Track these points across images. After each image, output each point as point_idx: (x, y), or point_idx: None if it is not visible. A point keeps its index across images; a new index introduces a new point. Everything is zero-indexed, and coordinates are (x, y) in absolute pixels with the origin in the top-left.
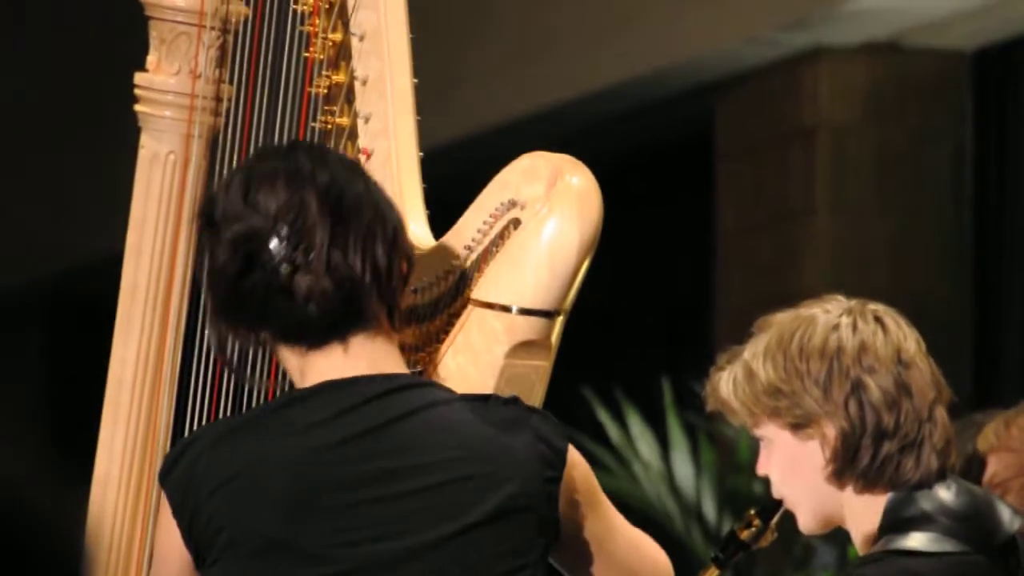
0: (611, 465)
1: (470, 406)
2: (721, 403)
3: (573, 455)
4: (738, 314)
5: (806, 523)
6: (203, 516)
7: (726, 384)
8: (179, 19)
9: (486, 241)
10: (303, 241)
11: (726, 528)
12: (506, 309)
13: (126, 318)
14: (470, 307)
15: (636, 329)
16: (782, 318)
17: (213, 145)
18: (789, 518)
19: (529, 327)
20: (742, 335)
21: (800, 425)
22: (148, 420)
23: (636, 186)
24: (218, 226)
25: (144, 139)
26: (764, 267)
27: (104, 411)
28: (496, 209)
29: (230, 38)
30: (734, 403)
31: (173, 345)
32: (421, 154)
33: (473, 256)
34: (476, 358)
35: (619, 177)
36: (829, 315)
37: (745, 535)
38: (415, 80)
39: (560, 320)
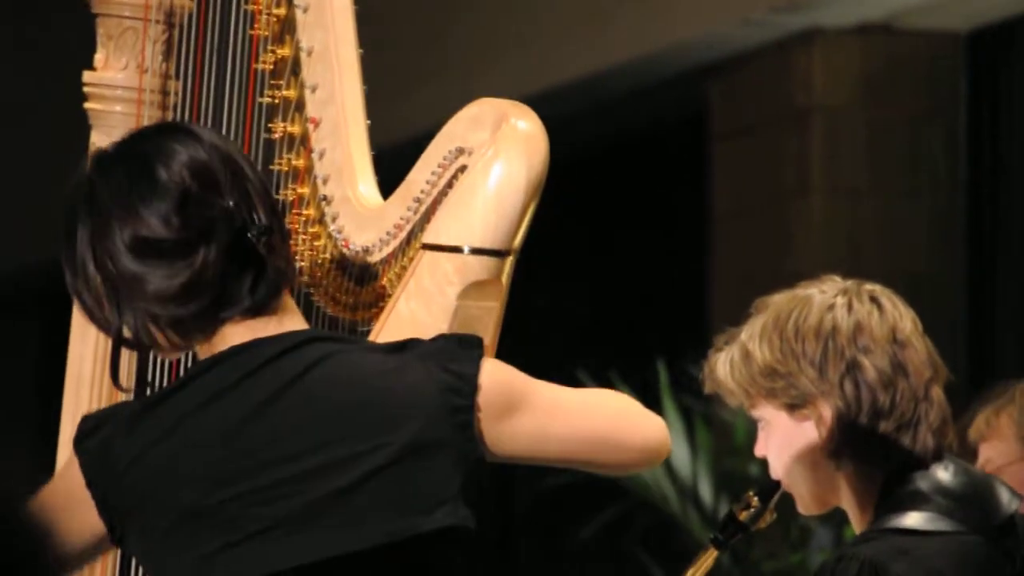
0: None
1: (370, 354)
2: (718, 385)
3: (488, 373)
4: (733, 296)
5: (804, 503)
6: (116, 493)
7: (723, 366)
8: (125, 14)
9: (435, 192)
10: (256, 204)
11: (722, 510)
12: (457, 250)
13: (82, 316)
14: (421, 252)
15: (630, 312)
16: (779, 299)
17: None
18: (788, 499)
19: (481, 267)
20: (737, 317)
21: (796, 405)
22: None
23: (630, 169)
24: (184, 206)
25: (94, 136)
26: (759, 249)
27: (64, 407)
28: (444, 159)
29: (176, 31)
30: (731, 384)
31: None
32: (369, 121)
33: (423, 208)
34: (429, 302)
35: (613, 160)
36: (825, 295)
37: (744, 516)
38: (361, 49)
39: (510, 260)
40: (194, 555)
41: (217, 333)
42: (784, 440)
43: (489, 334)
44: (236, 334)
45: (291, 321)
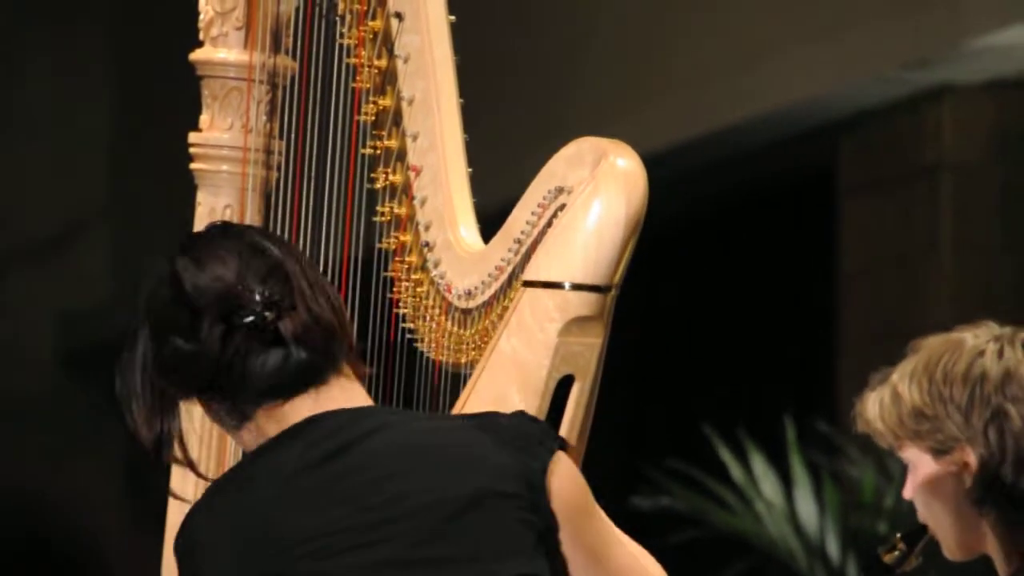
0: (734, 504)
1: (438, 421)
2: (868, 424)
3: (563, 460)
4: (862, 352)
5: (949, 549)
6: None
7: (873, 405)
8: (230, 75)
9: (535, 232)
10: (276, 289)
11: (851, 568)
12: (557, 286)
13: None
14: (522, 289)
15: (758, 367)
16: (932, 341)
17: (267, 196)
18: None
19: (582, 302)
20: (865, 374)
21: (942, 450)
22: (217, 468)
23: (759, 224)
24: (190, 302)
25: (200, 195)
26: (888, 305)
27: (171, 488)
28: (543, 199)
29: (279, 91)
30: (880, 425)
31: None
32: (470, 169)
33: (524, 248)
34: (530, 338)
35: (742, 215)
36: (977, 340)
37: (888, 559)
38: (461, 100)
39: (612, 296)
40: None
41: (265, 417)
42: (929, 484)
43: (591, 371)
44: (295, 415)
45: (355, 399)
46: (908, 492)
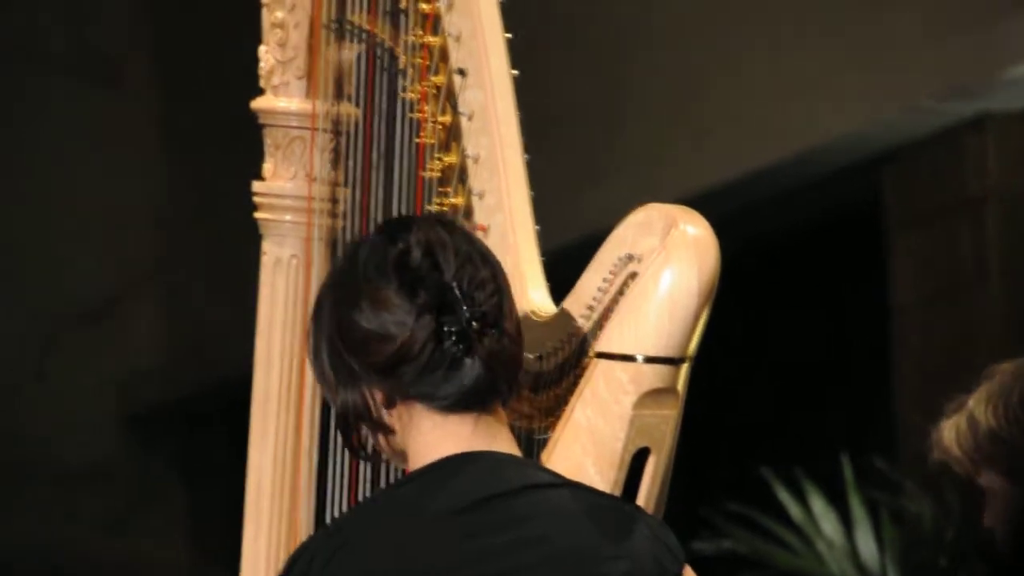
0: (795, 544)
1: (582, 492)
2: (944, 451)
3: (689, 568)
4: (916, 386)
5: None
6: None
7: (949, 432)
8: (292, 123)
9: (606, 299)
10: (488, 303)
11: None
12: (631, 359)
13: (260, 425)
14: (595, 361)
15: (813, 406)
16: (1007, 367)
17: (333, 245)
18: None
19: (656, 375)
20: (920, 408)
21: (1019, 474)
22: (289, 526)
23: (807, 263)
24: (409, 280)
25: (266, 245)
26: (941, 339)
27: (245, 520)
28: (614, 265)
29: (343, 140)
30: (956, 451)
31: (309, 448)
32: (538, 227)
33: (595, 315)
34: (605, 410)
35: (789, 255)
36: None
37: None
38: (527, 155)
39: (685, 367)
40: None
41: (420, 431)
42: (1008, 510)
43: (667, 443)
44: (449, 441)
45: (501, 443)
46: (987, 520)
